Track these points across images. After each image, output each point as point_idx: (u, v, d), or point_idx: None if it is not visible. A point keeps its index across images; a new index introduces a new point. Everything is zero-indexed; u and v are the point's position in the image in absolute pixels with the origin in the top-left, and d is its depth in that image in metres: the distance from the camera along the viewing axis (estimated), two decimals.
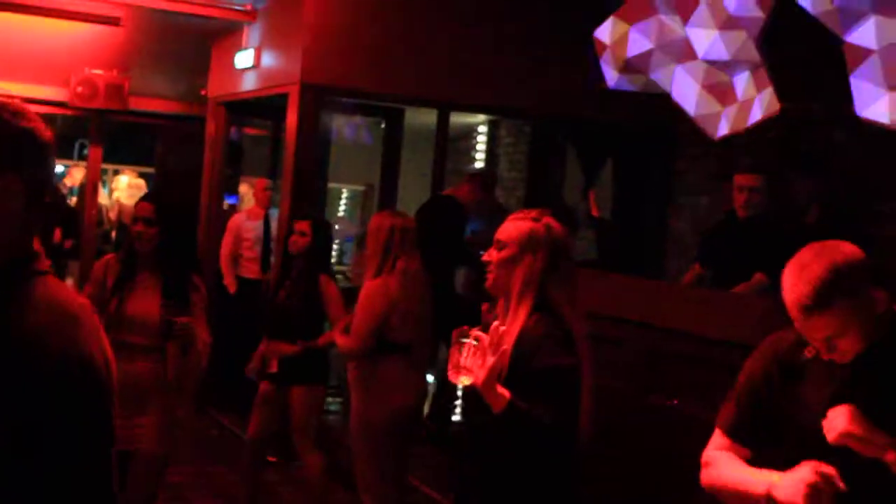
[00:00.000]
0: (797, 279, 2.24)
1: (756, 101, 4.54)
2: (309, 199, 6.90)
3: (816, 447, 2.26)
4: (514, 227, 2.93)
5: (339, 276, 7.34)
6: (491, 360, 2.64)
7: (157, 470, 4.19)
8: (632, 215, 7.81)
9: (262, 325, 5.50)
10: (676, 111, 4.81)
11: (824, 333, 2.25)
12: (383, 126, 8.49)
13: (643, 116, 6.94)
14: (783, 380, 2.41)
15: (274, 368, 5.23)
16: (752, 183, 5.47)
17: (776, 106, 4.44)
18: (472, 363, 2.67)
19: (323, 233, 5.32)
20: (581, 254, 7.64)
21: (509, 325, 2.81)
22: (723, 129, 4.79)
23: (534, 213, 2.98)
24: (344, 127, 9.86)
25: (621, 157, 8.11)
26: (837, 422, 2.23)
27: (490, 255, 2.94)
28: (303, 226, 5.24)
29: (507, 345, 2.71)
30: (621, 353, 4.61)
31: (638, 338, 4.64)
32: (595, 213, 7.90)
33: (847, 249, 2.27)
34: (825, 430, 2.25)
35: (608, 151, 8.24)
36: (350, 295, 5.16)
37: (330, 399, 7.12)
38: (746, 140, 6.50)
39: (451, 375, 2.71)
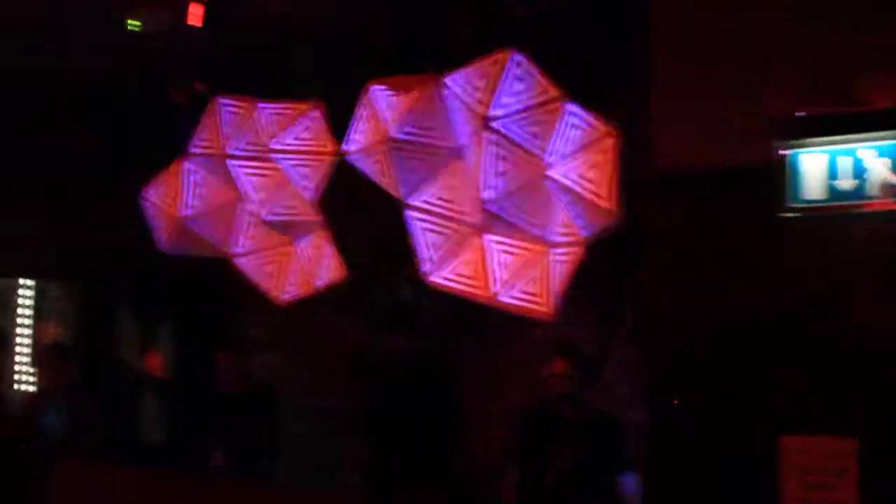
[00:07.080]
0: None
1: (322, 265, 4.37)
2: None
3: None
4: None
5: None
6: None
7: None
8: (200, 376, 7.25)
9: None
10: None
11: None
12: None
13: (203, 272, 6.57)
14: None
15: None
16: None
17: (342, 271, 4.29)
18: None
19: None
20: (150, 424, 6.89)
21: None
22: (289, 292, 4.56)
23: None
24: None
25: (180, 314, 7.62)
26: None
27: None
28: None
29: None
30: None
31: None
32: (160, 374, 7.17)
33: None
34: None
35: (167, 307, 7.68)
36: None
37: None
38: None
39: None
